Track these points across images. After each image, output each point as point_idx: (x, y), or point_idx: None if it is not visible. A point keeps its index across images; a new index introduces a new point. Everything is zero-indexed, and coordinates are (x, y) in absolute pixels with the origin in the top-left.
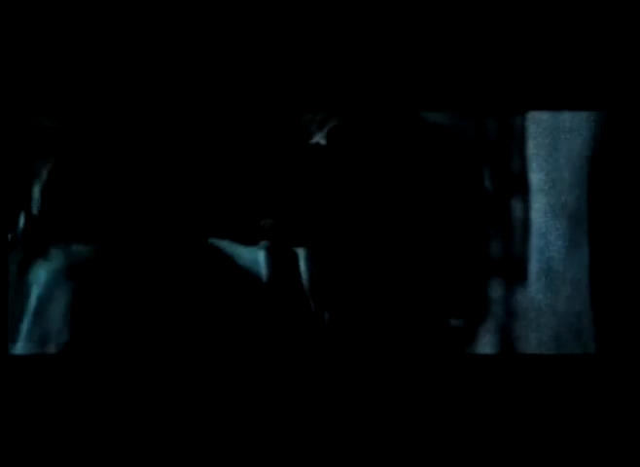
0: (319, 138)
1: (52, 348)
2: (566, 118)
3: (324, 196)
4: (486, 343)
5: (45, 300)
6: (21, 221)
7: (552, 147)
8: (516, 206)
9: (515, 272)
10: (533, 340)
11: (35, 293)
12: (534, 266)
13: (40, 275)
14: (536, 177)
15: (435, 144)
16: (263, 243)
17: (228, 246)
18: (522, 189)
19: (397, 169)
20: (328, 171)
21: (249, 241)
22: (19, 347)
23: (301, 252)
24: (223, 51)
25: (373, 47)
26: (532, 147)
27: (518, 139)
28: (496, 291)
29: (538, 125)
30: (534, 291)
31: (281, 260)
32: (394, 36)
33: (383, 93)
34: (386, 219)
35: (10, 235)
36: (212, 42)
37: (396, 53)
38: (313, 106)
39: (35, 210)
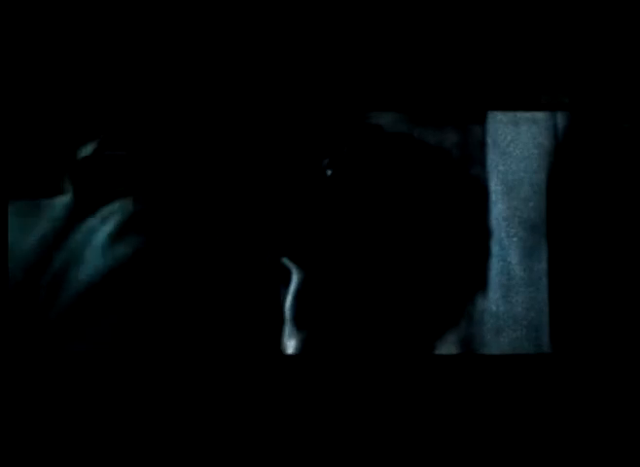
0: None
1: None
2: (525, 123)
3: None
4: (446, 350)
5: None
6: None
7: (512, 152)
8: (477, 212)
9: (475, 280)
10: (492, 346)
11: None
12: (494, 271)
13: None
14: (495, 182)
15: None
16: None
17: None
18: (482, 194)
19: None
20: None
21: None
22: None
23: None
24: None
25: (333, 46)
26: (492, 151)
27: (478, 143)
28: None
29: (497, 131)
30: (494, 297)
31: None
32: (354, 40)
33: (338, 93)
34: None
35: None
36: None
37: (356, 53)
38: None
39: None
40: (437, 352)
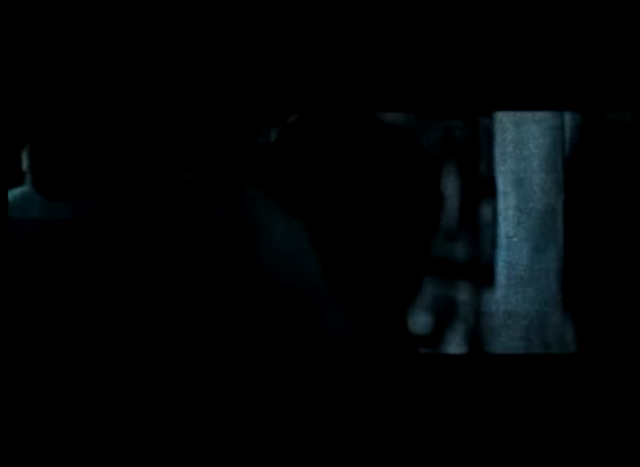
0: (270, 135)
1: None
2: (534, 119)
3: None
4: (454, 346)
5: None
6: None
7: (520, 149)
8: (484, 210)
9: (483, 276)
10: (500, 342)
11: None
12: (501, 269)
13: None
14: (503, 180)
15: (394, 146)
16: None
17: None
18: (490, 192)
19: (352, 171)
20: (276, 170)
21: None
22: None
23: None
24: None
25: (340, 45)
26: (499, 149)
27: (486, 141)
28: (464, 294)
29: (505, 127)
30: (501, 294)
31: None
32: (362, 35)
33: (346, 93)
34: (340, 221)
35: None
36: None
37: (363, 52)
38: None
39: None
40: (444, 351)
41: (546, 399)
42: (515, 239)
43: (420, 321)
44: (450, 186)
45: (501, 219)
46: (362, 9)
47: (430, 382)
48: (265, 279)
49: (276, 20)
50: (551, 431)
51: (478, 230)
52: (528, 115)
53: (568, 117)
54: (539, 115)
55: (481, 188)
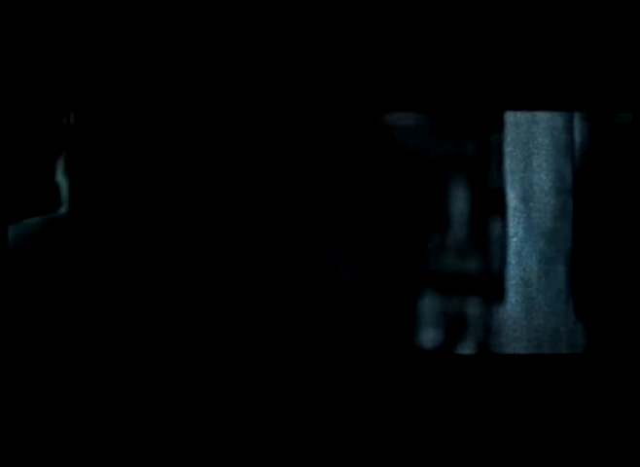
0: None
1: None
2: (544, 134)
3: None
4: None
5: None
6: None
7: (529, 164)
8: (494, 225)
9: (493, 290)
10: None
11: None
12: (511, 284)
13: None
14: (513, 195)
15: (397, 158)
16: None
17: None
18: (500, 207)
19: (358, 178)
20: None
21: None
22: None
23: None
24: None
25: (353, 50)
26: (509, 164)
27: (496, 156)
28: (474, 309)
29: (515, 142)
30: (511, 308)
31: None
32: (374, 39)
33: (357, 94)
34: (348, 231)
35: None
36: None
37: (377, 57)
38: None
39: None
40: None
41: (554, 401)
42: (524, 254)
43: (430, 336)
44: (460, 201)
45: (511, 234)
46: (376, 10)
47: (438, 383)
48: (310, 278)
49: (289, 22)
50: (559, 430)
51: (487, 245)
52: (539, 129)
53: (578, 129)
54: (550, 128)
55: (491, 203)
